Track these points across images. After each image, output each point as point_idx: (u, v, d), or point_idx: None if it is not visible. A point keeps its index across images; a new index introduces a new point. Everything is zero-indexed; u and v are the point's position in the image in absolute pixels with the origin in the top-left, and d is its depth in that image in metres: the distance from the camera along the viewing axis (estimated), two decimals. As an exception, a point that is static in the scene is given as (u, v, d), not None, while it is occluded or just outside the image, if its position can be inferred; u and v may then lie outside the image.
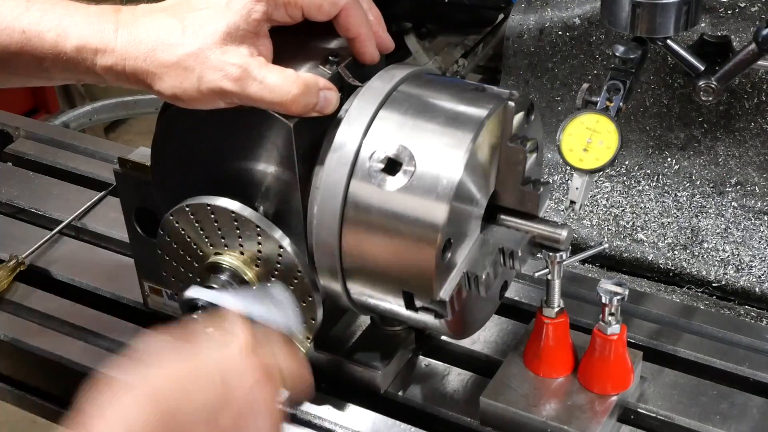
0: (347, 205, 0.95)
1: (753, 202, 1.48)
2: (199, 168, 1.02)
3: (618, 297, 1.01)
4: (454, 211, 0.92)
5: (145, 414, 0.76)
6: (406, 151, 0.93)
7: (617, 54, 1.14)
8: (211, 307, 0.97)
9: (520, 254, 0.98)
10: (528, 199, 0.99)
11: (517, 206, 1.00)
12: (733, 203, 1.49)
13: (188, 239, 1.03)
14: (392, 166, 0.94)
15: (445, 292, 0.95)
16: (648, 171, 1.55)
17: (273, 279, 1.00)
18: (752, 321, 1.29)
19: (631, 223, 1.49)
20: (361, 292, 0.99)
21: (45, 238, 1.35)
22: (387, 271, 0.96)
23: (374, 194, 0.94)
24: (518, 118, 0.98)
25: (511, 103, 0.96)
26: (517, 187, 0.99)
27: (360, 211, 0.94)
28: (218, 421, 0.78)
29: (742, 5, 1.46)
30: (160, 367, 0.81)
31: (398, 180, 0.93)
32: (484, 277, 0.95)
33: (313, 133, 0.97)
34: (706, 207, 1.50)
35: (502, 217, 1.01)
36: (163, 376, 0.80)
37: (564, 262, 1.02)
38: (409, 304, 0.97)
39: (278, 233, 0.98)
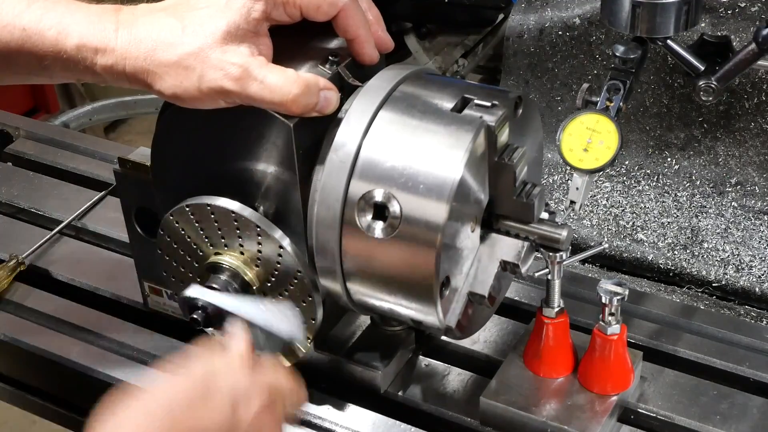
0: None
1: (753, 202, 1.48)
2: (199, 168, 1.02)
3: (618, 297, 1.01)
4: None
5: (156, 426, 0.78)
6: (389, 195, 0.93)
7: (617, 54, 1.14)
8: (210, 307, 0.97)
9: (520, 266, 0.99)
10: (522, 209, 0.99)
11: (512, 214, 1.00)
12: (733, 203, 1.49)
13: (188, 239, 1.03)
14: (380, 211, 0.94)
15: (450, 319, 0.96)
16: (648, 171, 1.55)
17: (281, 297, 1.01)
18: (752, 321, 1.29)
19: (631, 223, 1.49)
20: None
21: (45, 238, 1.35)
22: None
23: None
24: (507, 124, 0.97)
25: (491, 123, 0.93)
26: (511, 197, 0.99)
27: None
28: None
29: (742, 5, 1.46)
30: (169, 385, 0.83)
31: (387, 229, 0.93)
32: (486, 298, 0.96)
33: (313, 133, 0.97)
34: (706, 207, 1.50)
35: (502, 220, 1.01)
36: (172, 395, 0.81)
37: (564, 262, 1.02)
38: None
39: (278, 233, 0.98)
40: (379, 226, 0.93)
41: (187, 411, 0.80)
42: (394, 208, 0.92)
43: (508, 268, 1.02)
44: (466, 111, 0.95)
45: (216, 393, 0.83)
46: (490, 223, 1.00)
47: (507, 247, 1.01)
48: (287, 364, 1.05)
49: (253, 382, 0.86)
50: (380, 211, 0.93)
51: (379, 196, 0.93)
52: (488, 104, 0.95)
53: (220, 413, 0.82)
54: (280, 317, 0.98)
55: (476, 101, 0.95)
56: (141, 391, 0.81)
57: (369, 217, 0.94)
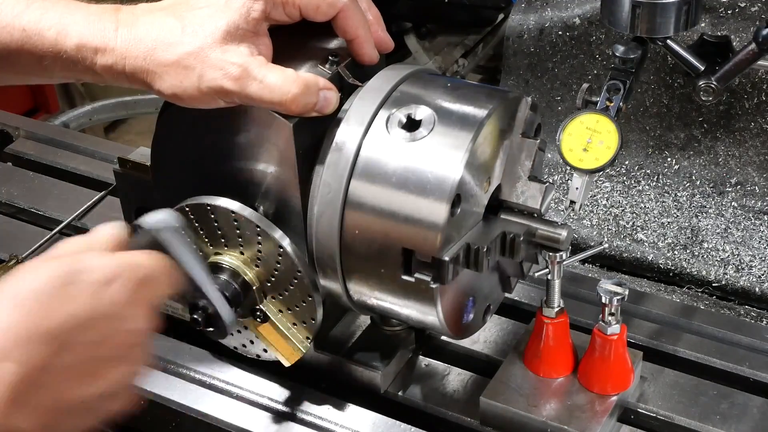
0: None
1: (753, 202, 1.48)
2: (199, 168, 1.02)
3: (618, 297, 1.01)
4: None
5: (21, 314, 0.74)
6: (427, 111, 0.94)
7: (617, 54, 1.14)
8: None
9: (521, 239, 0.98)
10: (533, 193, 1.00)
11: (520, 200, 1.01)
12: (733, 203, 1.49)
13: (188, 239, 1.03)
14: (412, 124, 0.94)
15: (447, 253, 0.92)
16: (648, 171, 1.55)
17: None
18: (752, 321, 1.29)
19: (631, 223, 1.49)
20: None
21: (45, 238, 1.35)
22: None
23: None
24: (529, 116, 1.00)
25: (529, 99, 0.97)
26: (524, 180, 1.00)
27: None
28: (95, 327, 0.77)
29: (742, 5, 1.46)
30: (24, 279, 0.78)
31: (418, 133, 0.93)
32: (484, 250, 0.94)
33: (313, 133, 0.97)
34: (706, 207, 1.50)
35: (503, 217, 1.01)
36: (33, 277, 0.77)
37: (564, 262, 1.02)
38: (407, 267, 0.94)
39: (278, 233, 0.98)
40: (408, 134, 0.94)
41: (50, 297, 0.76)
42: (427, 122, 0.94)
43: (506, 246, 1.00)
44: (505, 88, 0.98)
45: (78, 275, 0.78)
46: (492, 214, 1.01)
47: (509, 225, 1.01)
48: (287, 364, 1.05)
49: (118, 263, 0.80)
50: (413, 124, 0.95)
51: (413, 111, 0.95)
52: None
53: (85, 295, 0.77)
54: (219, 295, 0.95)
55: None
56: (2, 282, 0.77)
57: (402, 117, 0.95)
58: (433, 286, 0.93)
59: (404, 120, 0.95)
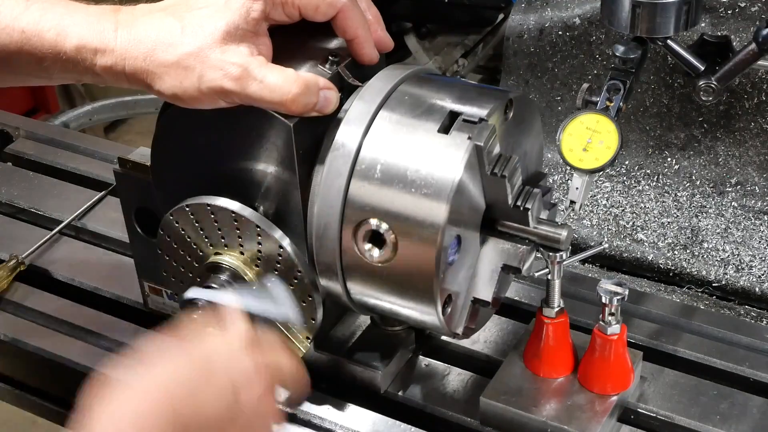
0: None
1: (753, 202, 1.48)
2: (199, 168, 1.02)
3: (618, 297, 1.01)
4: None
5: (157, 415, 0.74)
6: (383, 225, 0.93)
7: (617, 54, 1.14)
8: (210, 306, 0.97)
9: (521, 268, 0.99)
10: (520, 215, 0.98)
11: (511, 220, 1.00)
12: (733, 203, 1.49)
13: (188, 239, 1.03)
14: (377, 238, 0.94)
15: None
16: (648, 171, 1.55)
17: (271, 275, 1.00)
18: (752, 321, 1.29)
19: (631, 223, 1.49)
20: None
21: (45, 238, 1.35)
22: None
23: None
24: (500, 131, 0.96)
25: (479, 143, 0.92)
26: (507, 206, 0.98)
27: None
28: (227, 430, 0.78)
29: (742, 5, 1.46)
30: (167, 367, 0.79)
31: (385, 253, 0.94)
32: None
33: (313, 133, 0.97)
34: (706, 207, 1.50)
35: (502, 220, 1.01)
36: (171, 377, 0.78)
37: (564, 262, 1.02)
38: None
39: (278, 233, 0.98)
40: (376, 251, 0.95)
41: (188, 397, 0.77)
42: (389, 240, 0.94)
43: (510, 271, 1.01)
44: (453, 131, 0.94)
45: (217, 377, 0.79)
46: (489, 225, 1.00)
47: (507, 250, 1.01)
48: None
49: (254, 364, 0.82)
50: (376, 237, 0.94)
51: (373, 224, 0.94)
52: (476, 120, 0.93)
53: (222, 399, 0.78)
54: (278, 307, 0.98)
55: (464, 117, 0.94)
56: (138, 375, 0.77)
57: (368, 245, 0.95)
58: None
59: None
